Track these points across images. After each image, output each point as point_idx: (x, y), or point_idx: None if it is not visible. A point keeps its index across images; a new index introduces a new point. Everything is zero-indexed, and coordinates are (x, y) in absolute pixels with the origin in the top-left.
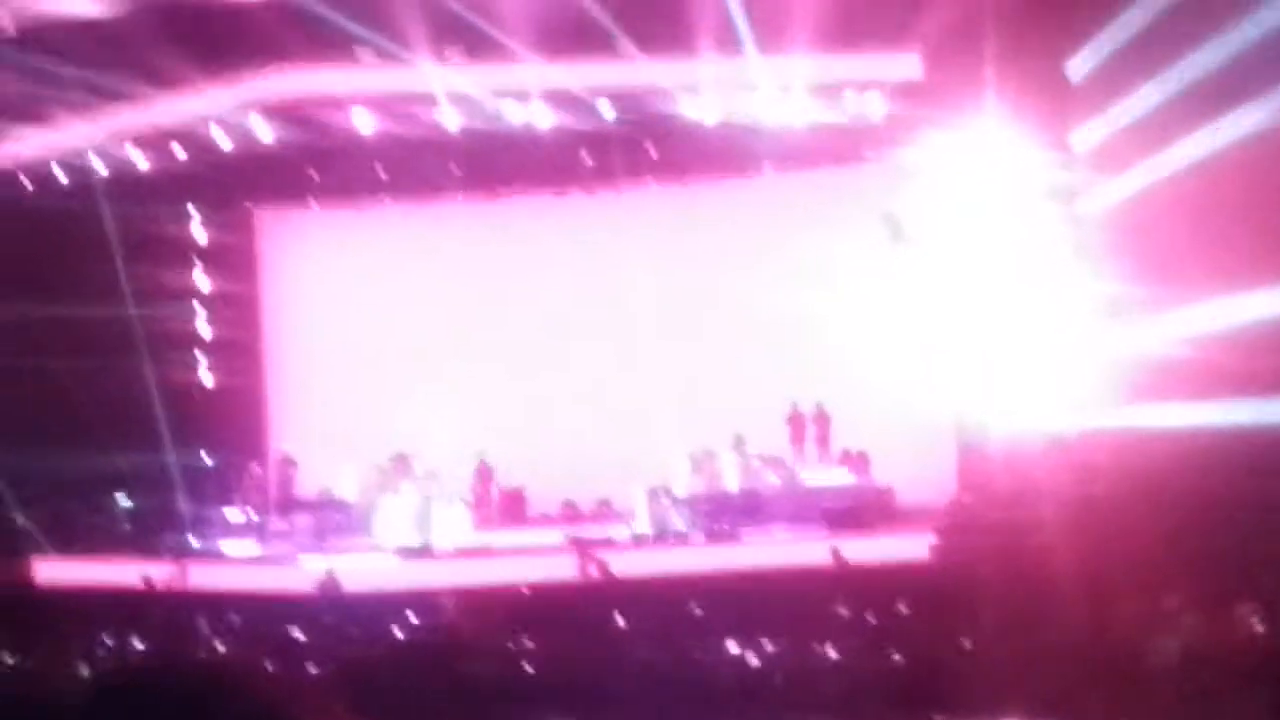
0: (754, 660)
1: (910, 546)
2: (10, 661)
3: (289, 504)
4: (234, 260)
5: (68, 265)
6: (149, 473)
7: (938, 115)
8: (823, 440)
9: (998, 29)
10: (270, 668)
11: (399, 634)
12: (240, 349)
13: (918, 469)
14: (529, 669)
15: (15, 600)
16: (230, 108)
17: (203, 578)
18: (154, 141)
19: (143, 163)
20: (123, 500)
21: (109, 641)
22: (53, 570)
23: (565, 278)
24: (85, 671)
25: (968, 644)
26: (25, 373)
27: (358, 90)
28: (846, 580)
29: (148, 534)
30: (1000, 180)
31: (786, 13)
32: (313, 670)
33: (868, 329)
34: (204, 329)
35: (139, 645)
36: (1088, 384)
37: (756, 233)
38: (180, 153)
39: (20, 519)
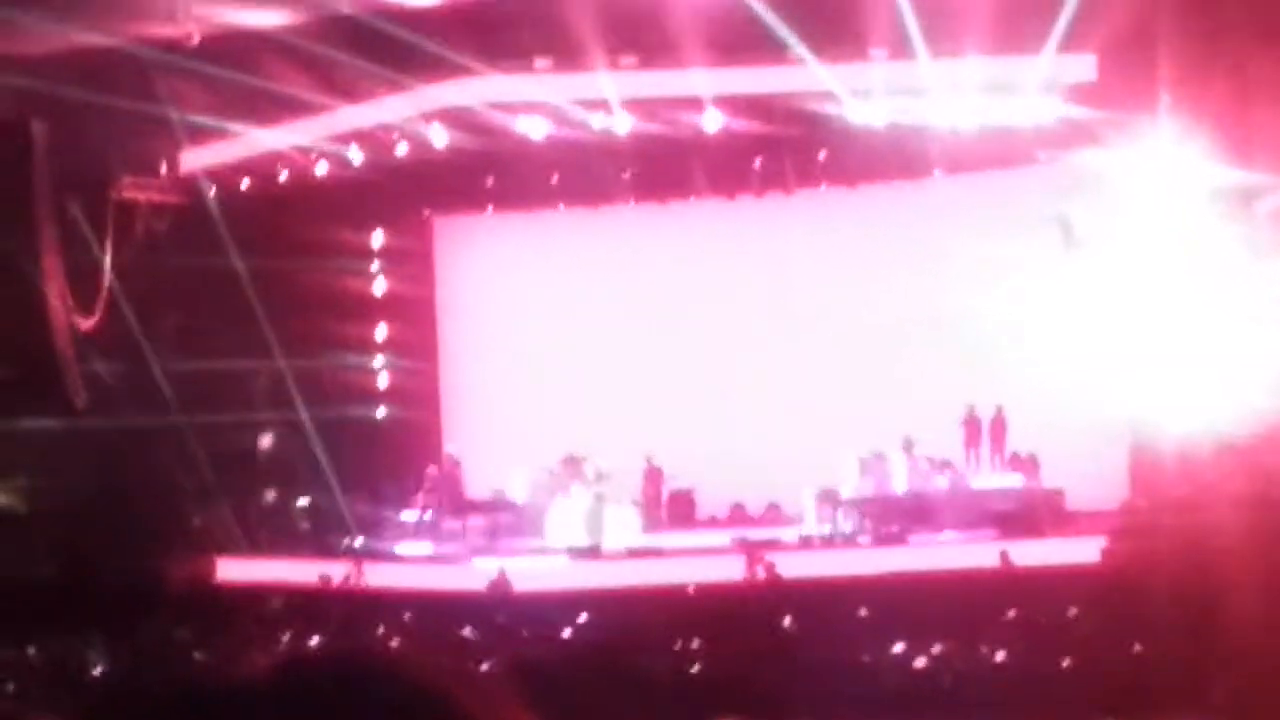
0: (922, 663)
1: (1081, 550)
2: (192, 655)
3: (462, 505)
4: (412, 265)
5: (254, 271)
6: (329, 475)
7: (1112, 117)
8: (997, 444)
9: (1173, 29)
10: (446, 663)
11: (568, 634)
12: (416, 353)
13: (1089, 472)
14: (696, 670)
15: (198, 597)
16: (409, 116)
17: (378, 577)
18: (334, 149)
19: (323, 169)
20: (302, 501)
21: (286, 638)
22: (234, 569)
23: (735, 281)
24: (263, 668)
25: (1139, 649)
26: (208, 374)
27: (532, 97)
28: (1015, 584)
29: (326, 534)
30: (1175, 182)
31: (958, 15)
32: (484, 668)
33: (1039, 331)
34: (382, 332)
35: (315, 642)
36: (1263, 386)
37: (927, 235)
38: (360, 159)
39: (202, 518)
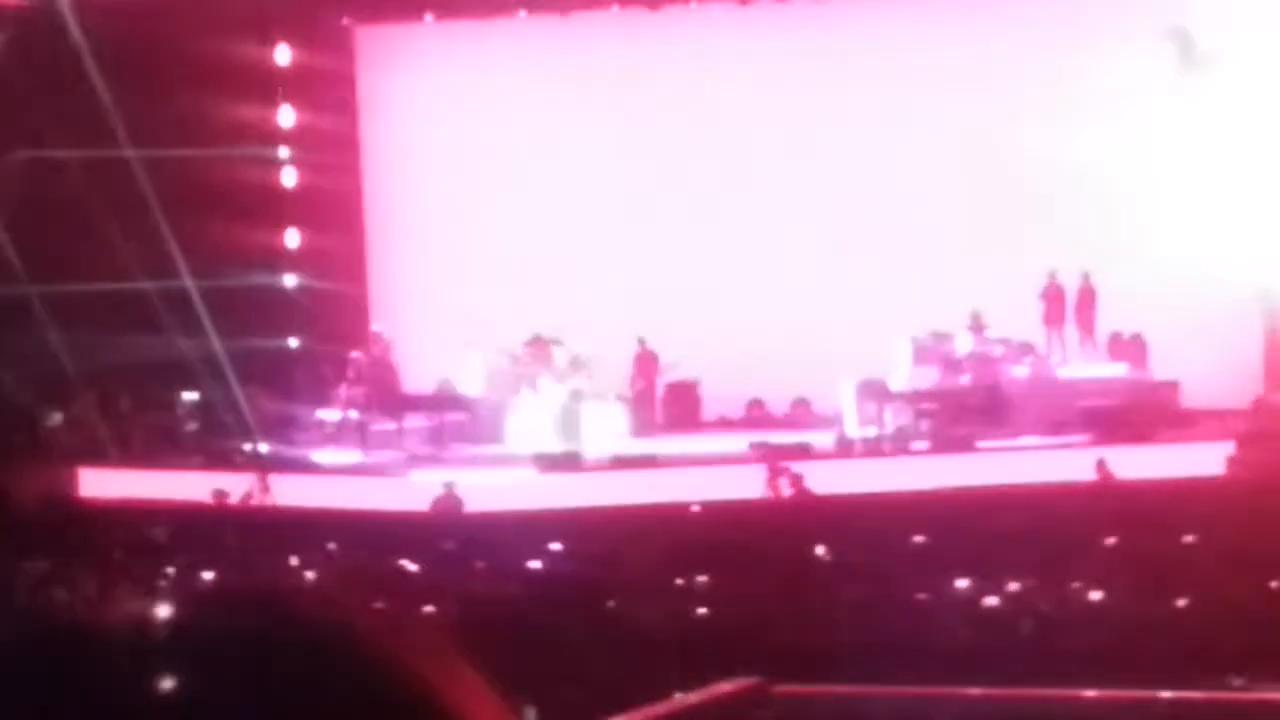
0: (993, 604)
1: (1200, 459)
2: (52, 595)
3: (397, 401)
4: (327, 90)
5: (123, 100)
6: (223, 362)
7: None
8: (1086, 322)
9: None
10: (375, 605)
11: (536, 568)
12: (336, 203)
13: (1211, 360)
14: (701, 614)
15: (54, 520)
16: None
17: (289, 493)
18: None
19: None
20: (189, 396)
21: (171, 572)
22: (102, 483)
23: (748, 111)
24: (143, 609)
25: (1277, 585)
26: (65, 227)
27: None
28: (1116, 502)
29: (220, 439)
30: None
31: None
32: (427, 610)
33: (1148, 179)
34: (290, 178)
35: (208, 578)
36: None
37: (1006, 52)
38: None
39: (59, 418)
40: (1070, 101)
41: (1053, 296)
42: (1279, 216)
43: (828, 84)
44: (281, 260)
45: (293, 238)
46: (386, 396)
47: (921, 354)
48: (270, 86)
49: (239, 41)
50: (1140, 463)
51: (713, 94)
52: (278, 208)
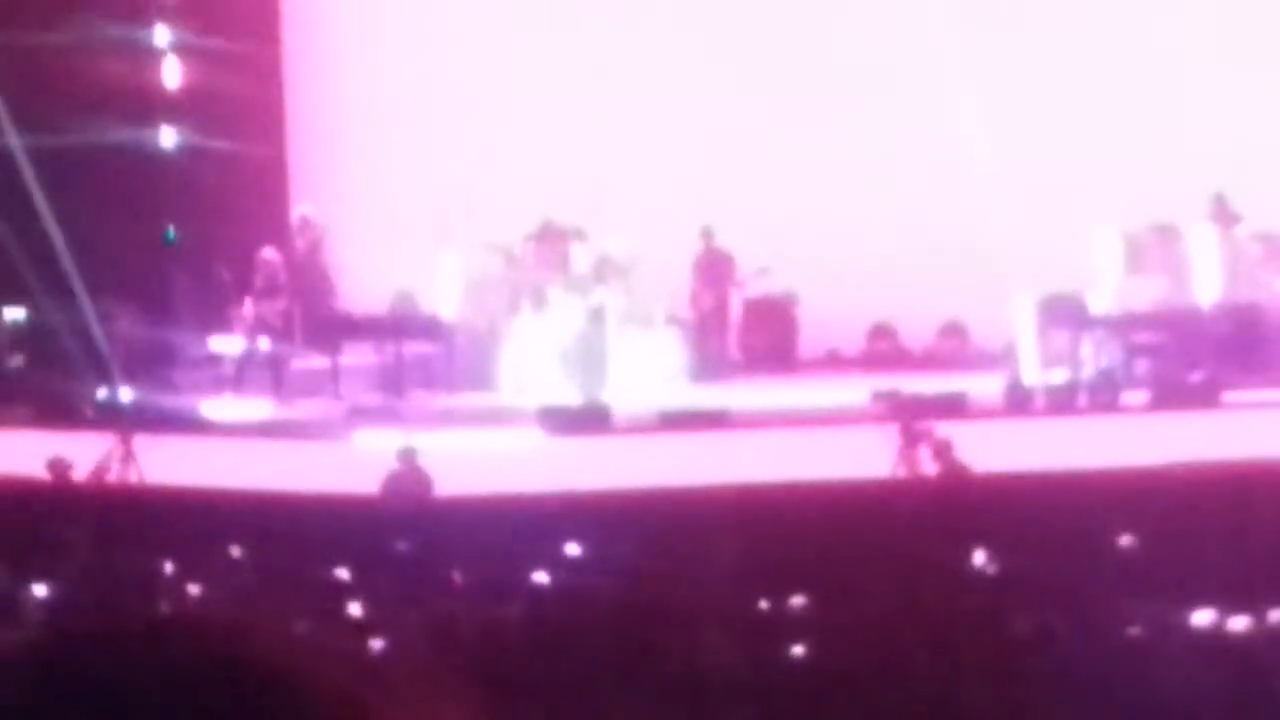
0: (1245, 638)
1: None
2: None
3: (334, 325)
4: None
5: None
6: (64, 262)
7: None
8: None
9: None
10: (299, 633)
11: (542, 582)
12: (241, 24)
13: None
14: (798, 654)
15: None
16: None
17: (165, 465)
18: None
19: None
20: (12, 315)
21: None
22: None
23: None
24: None
25: None
26: None
27: None
28: None
29: (61, 380)
30: None
31: None
32: (375, 645)
33: None
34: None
35: (41, 592)
36: None
37: None
38: None
39: None
40: None
41: None
42: None
43: None
44: (156, 106)
45: (173, 71)
46: (316, 317)
47: (1139, 257)
48: None
49: None
50: None
51: None
52: (151, 32)
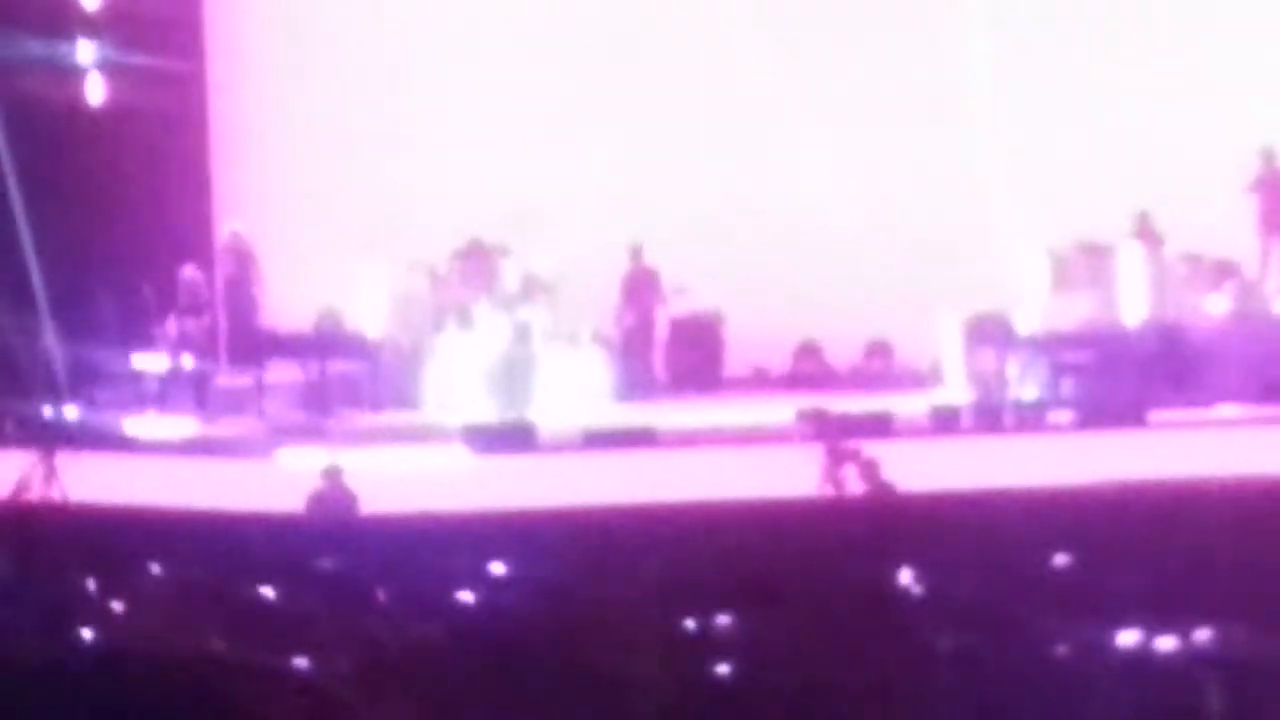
0: (1170, 657)
1: None
2: None
3: (255, 341)
4: None
5: None
6: None
7: None
8: None
9: None
10: (222, 656)
11: (467, 600)
12: (166, 30)
13: None
14: (723, 673)
15: None
16: None
17: (87, 483)
18: None
19: None
20: None
21: None
22: None
23: None
24: None
25: None
26: None
27: None
28: None
29: None
30: None
31: None
32: (298, 664)
33: None
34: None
35: None
36: None
37: None
38: None
39: None
40: None
41: (1271, 190)
42: None
43: None
44: (79, 122)
45: (97, 84)
46: (241, 334)
47: (1065, 276)
48: None
49: None
50: None
51: None
52: (73, 45)
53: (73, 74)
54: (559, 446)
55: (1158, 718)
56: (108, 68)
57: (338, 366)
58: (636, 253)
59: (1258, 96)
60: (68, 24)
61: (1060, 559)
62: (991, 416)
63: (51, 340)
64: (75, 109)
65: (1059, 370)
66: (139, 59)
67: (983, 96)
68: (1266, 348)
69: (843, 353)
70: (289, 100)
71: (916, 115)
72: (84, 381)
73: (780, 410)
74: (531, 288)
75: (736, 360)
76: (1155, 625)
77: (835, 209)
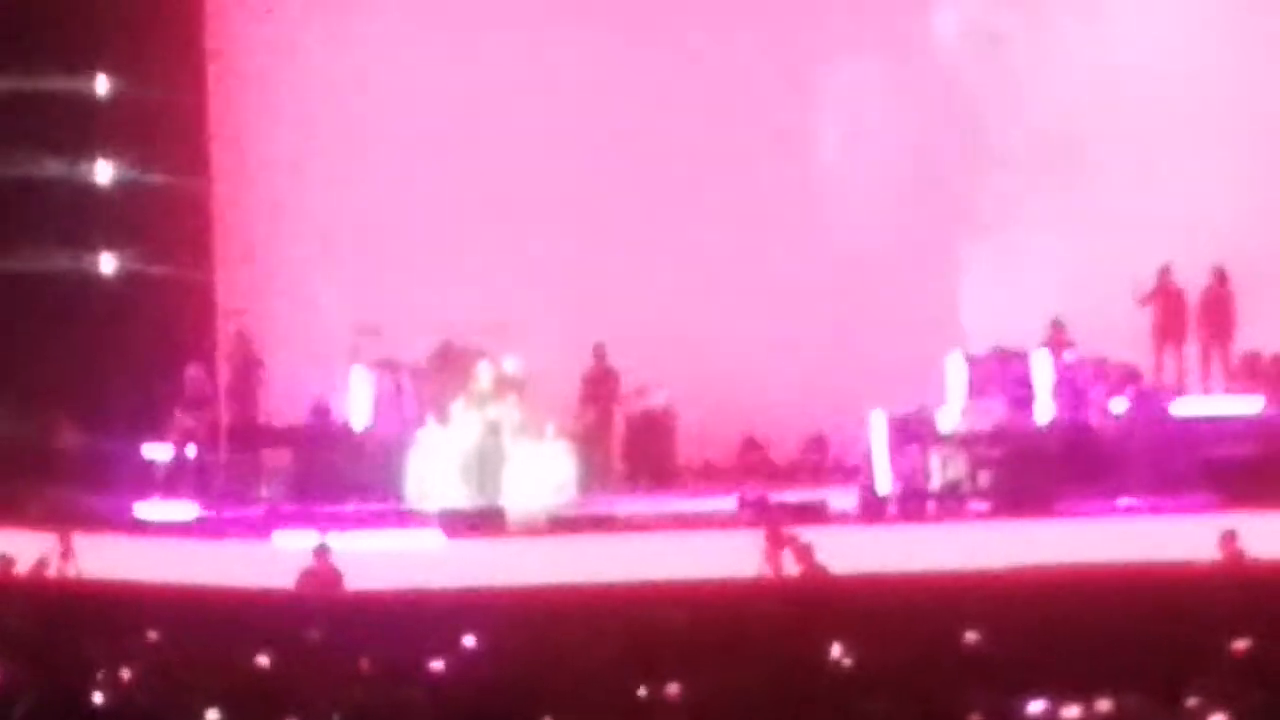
0: None
1: None
2: None
3: (252, 433)
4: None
5: None
6: (10, 379)
7: None
8: (1218, 334)
9: None
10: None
11: (440, 669)
12: (176, 155)
13: None
14: None
15: None
16: None
17: (101, 561)
18: None
19: None
20: None
21: None
22: None
23: (730, 46)
24: None
25: None
26: None
27: None
28: (1248, 589)
29: (6, 483)
30: None
31: None
32: None
33: None
34: (114, 112)
35: None
36: None
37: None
38: None
39: None
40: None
41: (1166, 299)
42: None
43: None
44: (94, 236)
45: (112, 206)
46: (238, 427)
47: (979, 378)
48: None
49: None
50: None
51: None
52: (92, 164)
53: (91, 190)
54: (526, 531)
55: None
56: (122, 185)
57: (327, 457)
58: (600, 352)
59: (1157, 223)
60: (88, 142)
61: (974, 635)
62: (915, 506)
63: (69, 433)
64: (93, 222)
65: (976, 464)
66: (151, 177)
67: (912, 219)
68: (1163, 445)
69: (781, 447)
70: (288, 216)
71: (845, 235)
72: (98, 469)
73: (726, 500)
74: (502, 387)
75: (687, 453)
76: (1060, 695)
77: (779, 318)
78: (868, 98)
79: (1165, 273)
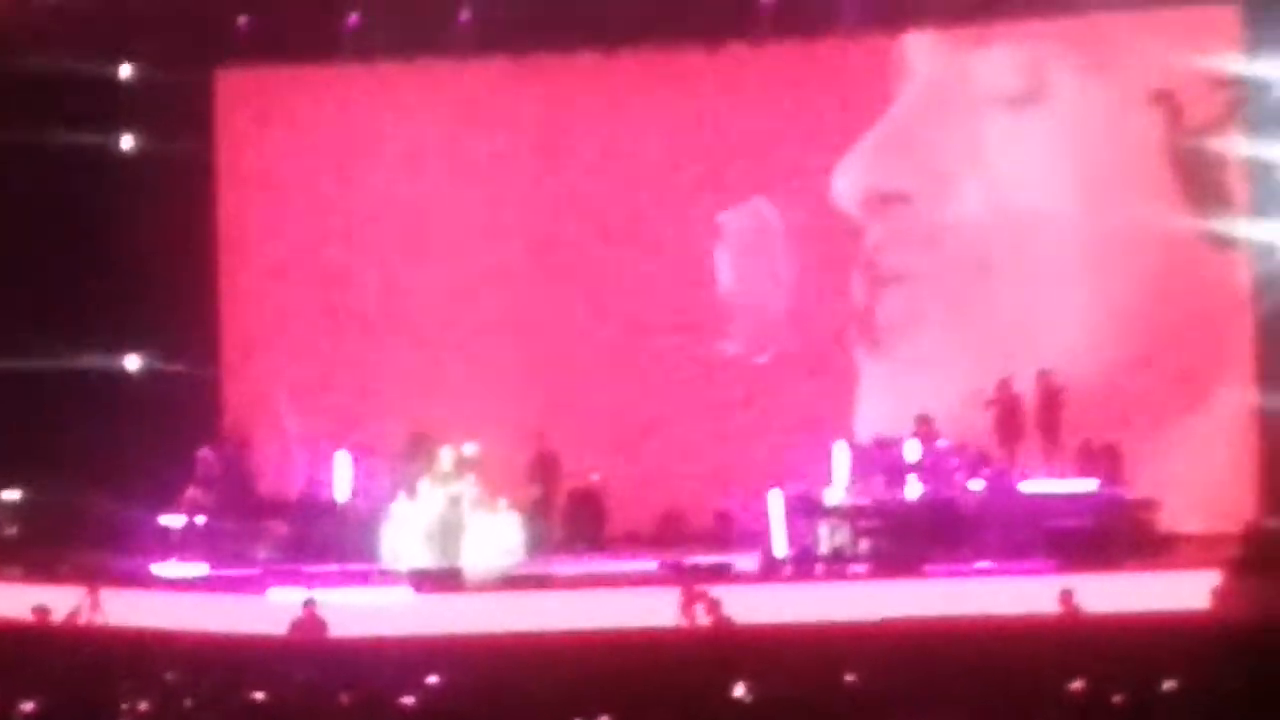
0: None
1: (1182, 590)
2: None
3: (253, 505)
4: (181, 144)
5: None
6: (50, 458)
7: None
8: (1051, 428)
9: None
10: None
11: (409, 702)
12: (189, 276)
13: (1197, 474)
14: None
15: None
16: None
17: (124, 611)
18: None
19: None
20: (9, 496)
21: None
22: None
23: (659, 175)
24: None
25: None
26: None
27: None
28: (1083, 639)
29: (45, 546)
30: None
31: None
32: None
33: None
34: (139, 240)
35: (27, 708)
36: None
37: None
38: None
39: None
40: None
41: (1004, 404)
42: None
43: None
44: (120, 339)
45: (136, 310)
46: (240, 499)
47: (863, 462)
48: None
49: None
50: (1112, 593)
51: (619, 146)
52: (120, 277)
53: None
54: (481, 588)
55: None
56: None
57: (315, 525)
58: (541, 440)
59: (1019, 335)
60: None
61: (853, 676)
62: (806, 567)
63: (98, 505)
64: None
65: (857, 533)
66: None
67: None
68: (1012, 517)
69: (696, 519)
70: (281, 329)
71: (763, 346)
72: (121, 534)
73: (648, 562)
74: (461, 467)
75: (616, 524)
76: None
77: (694, 414)
78: (777, 234)
79: (1004, 386)
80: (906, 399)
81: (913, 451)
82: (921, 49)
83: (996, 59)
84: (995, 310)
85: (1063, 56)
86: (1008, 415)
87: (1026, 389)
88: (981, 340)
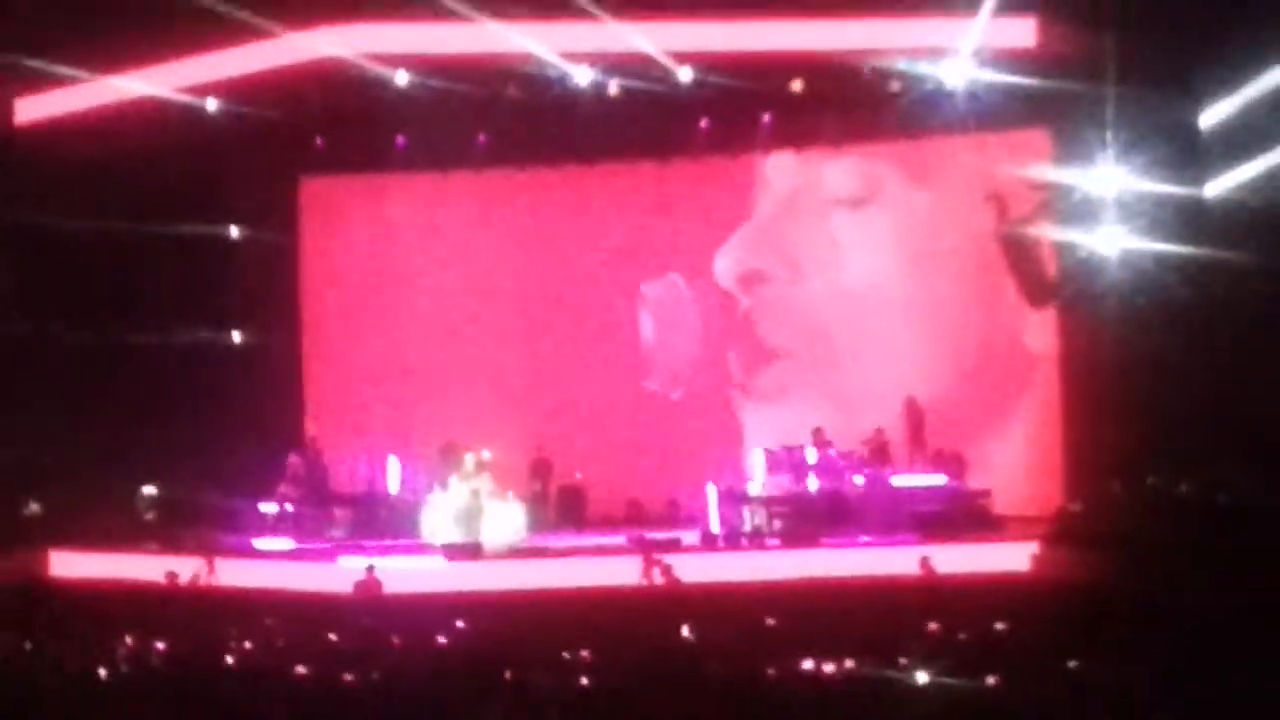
0: (834, 679)
1: (1009, 557)
2: (23, 660)
3: (326, 496)
4: (275, 234)
5: (94, 233)
6: (176, 460)
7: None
8: (915, 438)
9: None
10: (304, 673)
11: (443, 641)
12: (279, 328)
13: (1018, 471)
14: (584, 683)
15: (27, 595)
16: (273, 67)
17: (232, 575)
18: (190, 100)
19: (178, 122)
20: (148, 490)
21: (128, 641)
22: (70, 564)
23: (633, 254)
24: (103, 672)
25: (1075, 667)
26: (39, 342)
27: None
28: (937, 593)
29: (174, 527)
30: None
31: None
32: (348, 678)
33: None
34: (241, 310)
35: (160, 646)
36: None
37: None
38: (223, 113)
39: (33, 506)
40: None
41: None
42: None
43: (694, 229)
44: (234, 371)
45: (242, 356)
46: (318, 493)
47: (775, 464)
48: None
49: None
50: (958, 560)
51: (603, 235)
52: (229, 333)
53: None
54: (495, 557)
55: (830, 709)
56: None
57: (374, 511)
58: (540, 449)
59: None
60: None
61: (771, 621)
62: (734, 541)
63: (215, 495)
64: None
65: (772, 516)
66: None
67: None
68: (887, 504)
69: (652, 505)
70: (348, 376)
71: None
72: (230, 517)
73: (618, 538)
74: (480, 468)
75: (595, 510)
76: (823, 658)
77: (651, 433)
78: (686, 301)
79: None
80: (805, 415)
81: (811, 455)
82: (782, 164)
83: (843, 169)
84: (838, 364)
85: (896, 168)
86: (879, 450)
87: (893, 420)
88: (831, 387)
